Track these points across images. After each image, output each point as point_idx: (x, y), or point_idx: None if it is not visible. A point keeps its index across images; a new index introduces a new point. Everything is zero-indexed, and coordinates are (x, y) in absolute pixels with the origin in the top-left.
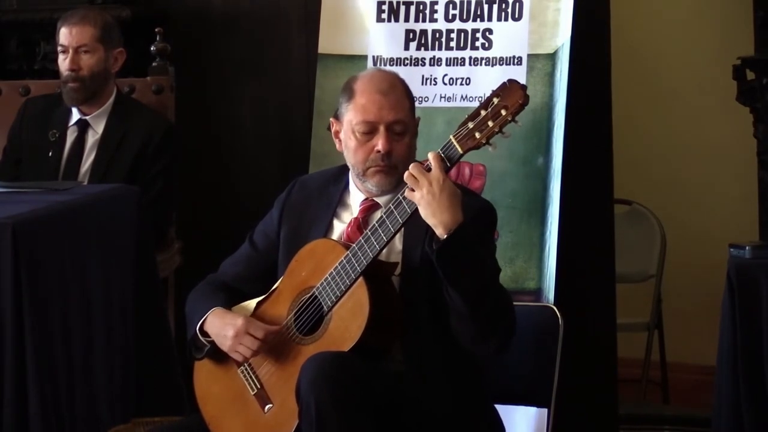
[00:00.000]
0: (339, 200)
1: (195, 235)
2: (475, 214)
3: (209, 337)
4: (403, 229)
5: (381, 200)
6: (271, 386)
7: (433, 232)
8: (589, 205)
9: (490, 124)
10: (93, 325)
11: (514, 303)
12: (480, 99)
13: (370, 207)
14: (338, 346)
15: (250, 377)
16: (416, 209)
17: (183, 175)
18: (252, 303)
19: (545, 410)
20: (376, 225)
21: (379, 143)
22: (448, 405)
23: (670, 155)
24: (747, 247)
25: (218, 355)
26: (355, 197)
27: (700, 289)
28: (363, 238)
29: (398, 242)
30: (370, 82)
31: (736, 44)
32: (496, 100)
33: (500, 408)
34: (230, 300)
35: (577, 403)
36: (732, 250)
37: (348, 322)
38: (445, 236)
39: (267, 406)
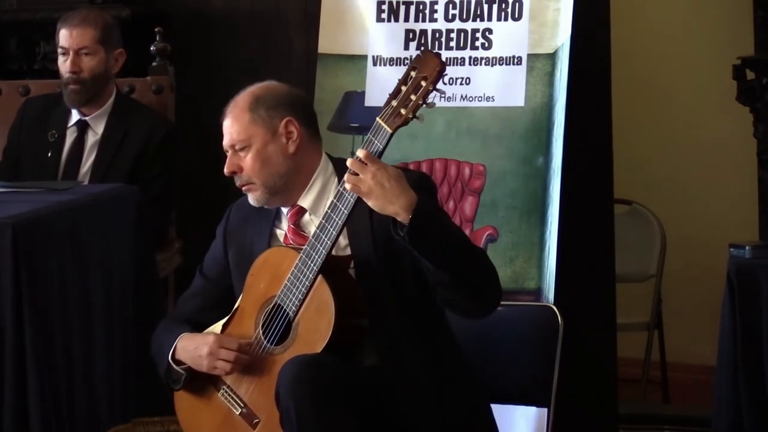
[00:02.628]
0: (276, 213)
1: (195, 235)
2: (418, 186)
3: (183, 364)
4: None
5: (304, 203)
6: (254, 402)
7: (393, 220)
8: (589, 205)
9: (413, 97)
10: (93, 326)
11: (514, 303)
12: (480, 99)
13: (297, 212)
14: (311, 348)
15: (233, 398)
16: (359, 198)
17: (183, 175)
18: (217, 326)
19: (545, 410)
20: (323, 221)
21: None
22: (428, 394)
23: (670, 155)
24: (747, 247)
25: (195, 384)
26: (284, 207)
27: (700, 289)
28: (313, 237)
29: (342, 237)
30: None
31: (736, 44)
32: (413, 73)
33: (500, 408)
34: (194, 330)
35: (577, 403)
36: (732, 250)
37: (316, 322)
38: (410, 217)
39: (255, 422)
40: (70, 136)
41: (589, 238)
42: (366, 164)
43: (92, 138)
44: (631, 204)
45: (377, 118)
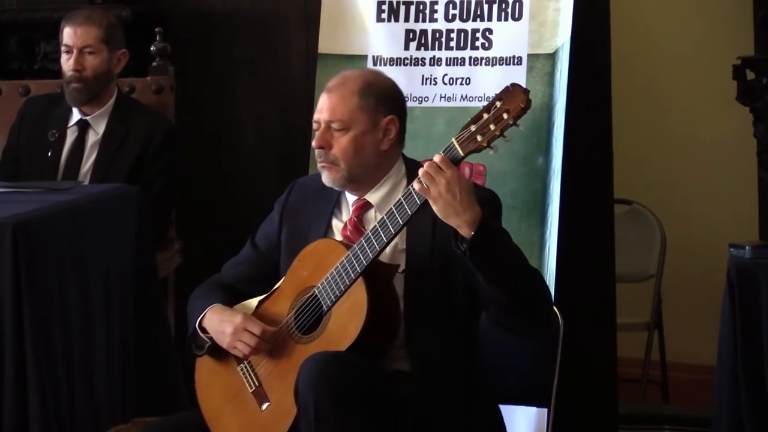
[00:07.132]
0: (336, 201)
1: (195, 235)
2: (485, 203)
3: (208, 333)
4: (405, 228)
5: (372, 198)
6: (269, 384)
7: (456, 233)
8: (589, 205)
9: (492, 127)
10: (93, 325)
11: None
12: (480, 99)
13: (362, 206)
14: (336, 346)
15: (249, 375)
16: (417, 211)
17: (183, 175)
18: (254, 301)
19: (545, 410)
20: (377, 226)
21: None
22: (456, 404)
23: (670, 155)
24: (747, 247)
25: (219, 353)
26: (350, 197)
27: (700, 289)
28: (364, 239)
29: (401, 241)
30: (329, 81)
31: (736, 44)
32: (498, 104)
33: (500, 408)
34: (230, 298)
35: (577, 403)
36: (732, 250)
37: (346, 321)
38: (473, 233)
39: (264, 404)
40: (71, 136)
41: (589, 238)
42: (442, 170)
43: (93, 138)
44: (631, 204)
45: (453, 138)
